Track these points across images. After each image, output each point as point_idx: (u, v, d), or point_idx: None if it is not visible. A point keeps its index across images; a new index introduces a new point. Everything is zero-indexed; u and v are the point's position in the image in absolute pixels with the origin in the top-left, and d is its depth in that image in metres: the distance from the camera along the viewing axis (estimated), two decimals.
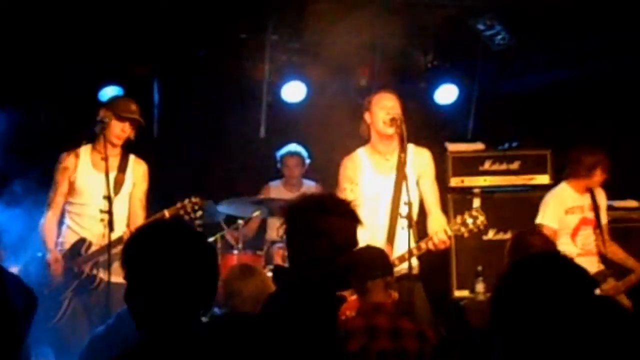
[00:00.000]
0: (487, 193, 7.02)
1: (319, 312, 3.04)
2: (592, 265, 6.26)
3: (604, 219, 6.56)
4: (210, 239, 6.74)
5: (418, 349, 4.08)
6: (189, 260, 2.47)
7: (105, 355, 2.47)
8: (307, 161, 7.65)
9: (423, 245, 5.28)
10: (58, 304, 5.55)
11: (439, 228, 5.36)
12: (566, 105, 7.67)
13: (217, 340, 2.51)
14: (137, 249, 2.52)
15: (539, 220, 6.46)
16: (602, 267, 6.43)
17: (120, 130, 5.64)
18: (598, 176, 6.40)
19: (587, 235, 6.49)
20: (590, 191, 6.51)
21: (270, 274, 6.00)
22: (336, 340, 3.21)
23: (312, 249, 3.05)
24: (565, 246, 6.34)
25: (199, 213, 5.76)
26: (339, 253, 3.05)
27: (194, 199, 5.71)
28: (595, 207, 6.51)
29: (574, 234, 6.46)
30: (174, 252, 2.46)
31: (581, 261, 6.41)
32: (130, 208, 5.74)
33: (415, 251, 5.26)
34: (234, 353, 2.50)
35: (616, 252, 6.57)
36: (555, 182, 6.85)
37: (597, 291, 5.77)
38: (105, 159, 5.50)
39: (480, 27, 7.40)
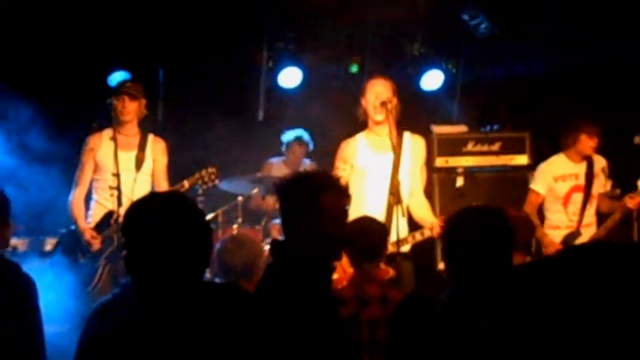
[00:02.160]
0: (470, 172, 7.13)
1: (312, 281, 3.16)
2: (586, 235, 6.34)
3: (596, 188, 6.50)
4: (211, 215, 7.04)
5: None
6: (180, 229, 2.53)
7: (108, 322, 2.56)
8: (311, 148, 7.75)
9: (427, 232, 5.43)
10: (94, 271, 5.79)
11: (429, 216, 5.61)
12: (544, 90, 7.80)
13: (212, 306, 2.57)
14: (133, 218, 2.59)
15: (531, 185, 6.61)
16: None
17: (121, 106, 5.85)
18: (585, 142, 6.41)
19: (578, 204, 6.47)
20: (589, 160, 6.49)
21: (267, 247, 6.35)
22: (331, 304, 3.29)
23: (304, 224, 3.17)
24: (556, 214, 6.53)
25: (217, 181, 6.06)
26: (330, 227, 3.17)
27: (210, 169, 6.00)
28: (589, 175, 6.47)
29: (565, 202, 6.51)
30: (166, 221, 2.53)
31: (566, 233, 6.53)
32: (154, 181, 6.01)
33: (418, 236, 5.45)
34: (229, 317, 2.57)
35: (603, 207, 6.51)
36: (534, 162, 6.97)
37: None
38: (114, 138, 5.72)
39: (465, 16, 7.58)
